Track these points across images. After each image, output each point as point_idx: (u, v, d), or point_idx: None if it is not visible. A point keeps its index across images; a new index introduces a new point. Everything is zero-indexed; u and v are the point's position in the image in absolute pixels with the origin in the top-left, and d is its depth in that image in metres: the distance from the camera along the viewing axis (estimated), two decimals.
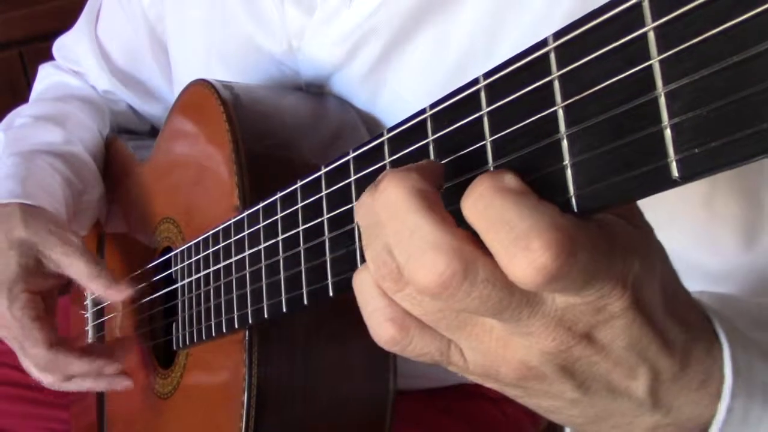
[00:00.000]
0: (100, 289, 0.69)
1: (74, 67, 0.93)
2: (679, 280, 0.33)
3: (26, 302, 0.67)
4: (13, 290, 0.67)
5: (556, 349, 0.30)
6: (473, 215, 0.28)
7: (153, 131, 0.94)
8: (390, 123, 0.63)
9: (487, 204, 0.27)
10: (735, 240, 0.51)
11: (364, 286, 0.32)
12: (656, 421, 0.33)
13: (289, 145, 0.62)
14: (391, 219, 0.29)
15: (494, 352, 0.31)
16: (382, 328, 0.32)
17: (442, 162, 0.33)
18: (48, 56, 0.97)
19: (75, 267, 0.69)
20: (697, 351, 0.33)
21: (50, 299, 0.71)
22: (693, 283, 0.48)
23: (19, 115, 0.86)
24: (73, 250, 0.69)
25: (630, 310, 0.29)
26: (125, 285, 0.70)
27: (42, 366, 0.68)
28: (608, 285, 0.28)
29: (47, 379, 0.70)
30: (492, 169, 0.31)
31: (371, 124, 0.64)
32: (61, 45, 0.95)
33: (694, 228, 0.51)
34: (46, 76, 0.95)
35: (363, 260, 0.37)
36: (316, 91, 0.68)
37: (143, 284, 0.75)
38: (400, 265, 0.29)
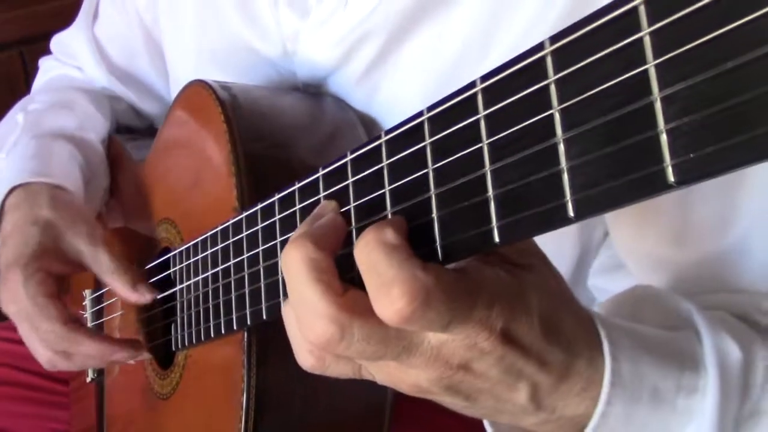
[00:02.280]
0: (123, 287, 0.67)
1: (72, 62, 0.93)
2: (565, 308, 0.39)
3: (41, 280, 0.66)
4: (29, 267, 0.66)
5: (437, 377, 0.36)
6: (358, 259, 0.34)
7: (152, 129, 0.94)
8: (387, 123, 0.64)
9: (367, 252, 0.33)
10: (709, 235, 0.52)
11: (289, 320, 0.39)
12: (542, 419, 0.40)
13: (287, 145, 0.62)
14: (289, 281, 0.36)
15: (393, 376, 0.38)
16: (303, 358, 0.39)
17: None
18: (48, 55, 0.97)
19: (100, 260, 0.68)
20: (578, 365, 0.38)
21: (63, 283, 0.70)
22: (663, 276, 0.54)
23: (32, 101, 0.85)
24: (100, 243, 0.68)
25: (500, 346, 0.35)
26: (149, 288, 0.68)
27: (53, 342, 0.66)
28: (473, 328, 0.34)
29: (45, 356, 0.68)
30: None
31: (368, 124, 0.64)
32: (58, 41, 0.95)
33: (668, 225, 0.53)
34: (49, 69, 0.94)
35: None
36: (313, 91, 0.68)
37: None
38: (299, 318, 0.36)
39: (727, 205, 0.51)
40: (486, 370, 0.36)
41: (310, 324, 0.35)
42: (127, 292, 0.68)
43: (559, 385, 0.38)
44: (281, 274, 0.46)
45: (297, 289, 0.36)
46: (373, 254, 0.33)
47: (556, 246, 0.62)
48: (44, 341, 0.67)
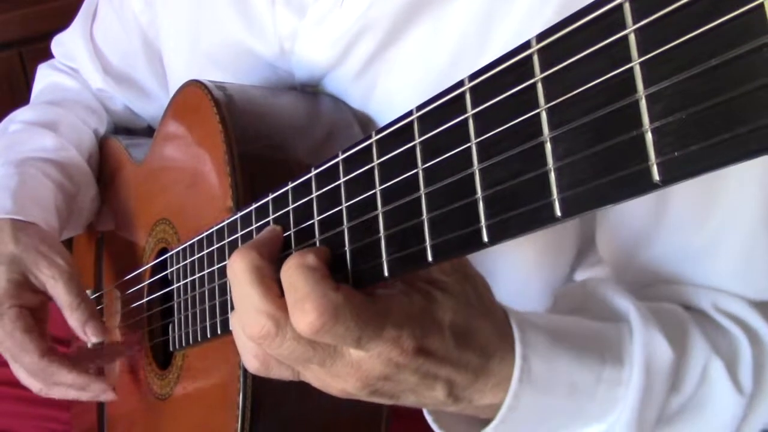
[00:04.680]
0: (74, 323, 0.70)
1: (70, 64, 0.93)
2: (481, 316, 0.43)
3: (16, 316, 0.68)
4: (3, 305, 0.68)
5: (361, 385, 0.41)
6: (282, 278, 0.39)
7: (150, 129, 0.94)
8: (383, 121, 0.64)
9: (290, 274, 0.38)
10: (682, 231, 0.56)
11: (236, 328, 0.43)
12: (460, 408, 0.45)
13: (283, 145, 0.61)
14: (234, 285, 0.41)
15: (324, 381, 0.43)
16: (249, 362, 0.43)
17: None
18: (47, 56, 0.97)
19: (57, 293, 0.70)
20: (492, 364, 0.44)
21: (41, 311, 0.72)
22: (632, 264, 0.59)
23: (13, 121, 0.86)
24: (59, 275, 0.70)
25: (414, 359, 0.40)
26: (100, 328, 0.70)
27: (33, 373, 0.69)
28: (385, 345, 0.39)
29: (35, 386, 0.70)
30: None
31: (365, 123, 0.64)
32: (58, 42, 0.95)
33: (644, 217, 0.56)
34: (42, 78, 0.95)
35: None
36: (310, 90, 0.68)
37: (140, 285, 0.75)
38: (242, 320, 0.41)
39: (702, 203, 0.54)
40: (404, 379, 0.41)
41: (251, 321, 0.40)
42: (77, 329, 0.70)
43: (474, 382, 0.44)
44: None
45: (242, 291, 0.40)
46: (294, 274, 0.38)
47: (559, 237, 0.62)
48: (27, 372, 0.69)
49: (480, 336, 0.43)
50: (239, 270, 0.40)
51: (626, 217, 0.57)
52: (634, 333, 0.49)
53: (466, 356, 0.42)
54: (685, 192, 0.53)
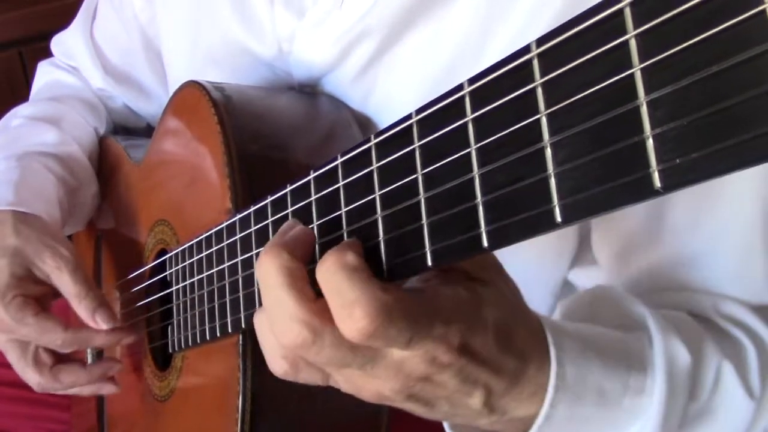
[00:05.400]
0: (84, 312, 0.68)
1: (71, 63, 0.93)
2: (519, 318, 0.41)
3: (21, 304, 0.67)
4: (6, 296, 0.67)
5: (399, 388, 0.39)
6: (321, 282, 0.36)
7: (149, 129, 0.94)
8: (382, 123, 0.63)
9: (330, 275, 0.35)
10: (679, 236, 0.55)
11: (262, 327, 0.40)
12: (494, 420, 0.43)
13: (282, 146, 0.61)
14: (265, 287, 0.38)
15: (357, 384, 0.40)
16: (277, 364, 0.41)
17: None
18: (47, 56, 0.97)
19: (62, 283, 0.69)
20: (529, 371, 0.41)
21: (45, 303, 0.71)
22: (631, 271, 0.58)
23: (15, 115, 0.86)
24: (64, 264, 0.69)
25: (458, 359, 0.38)
26: (110, 315, 0.69)
27: (65, 346, 0.68)
28: (432, 344, 0.37)
29: (36, 379, 0.70)
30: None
31: (364, 124, 0.64)
32: (58, 41, 0.95)
33: (641, 222, 0.55)
34: (43, 75, 0.95)
35: None
36: (308, 91, 0.67)
37: (140, 287, 0.75)
38: (272, 324, 0.38)
39: (699, 207, 0.53)
40: (445, 381, 0.39)
41: (285, 328, 0.37)
42: (86, 318, 0.69)
43: (510, 389, 0.41)
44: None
45: (273, 294, 0.37)
46: (336, 276, 0.35)
47: (559, 239, 0.62)
48: (63, 347, 0.68)
49: (518, 338, 0.41)
50: (271, 272, 0.37)
51: (623, 220, 0.57)
52: (654, 339, 0.47)
53: (506, 360, 0.40)
54: (682, 195, 0.53)
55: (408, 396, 0.40)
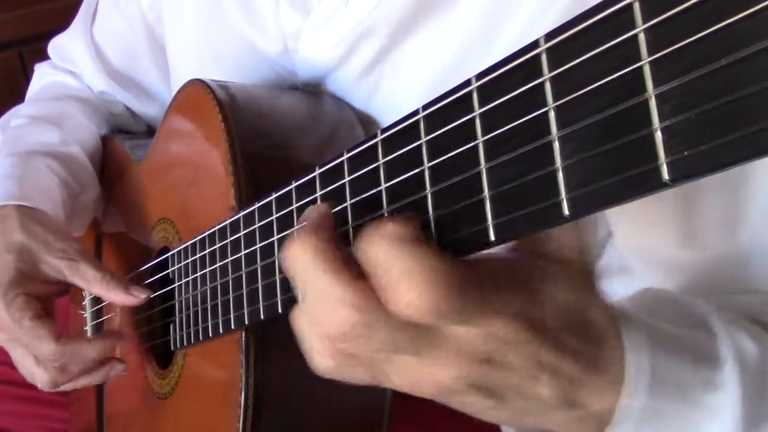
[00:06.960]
0: (114, 295, 0.67)
1: (70, 67, 0.92)
2: (594, 301, 0.38)
3: (23, 304, 0.66)
4: (9, 294, 0.66)
5: (462, 373, 0.35)
6: (362, 256, 0.33)
7: (149, 131, 0.94)
8: (386, 122, 0.63)
9: (374, 247, 0.33)
10: (718, 236, 0.51)
11: (301, 324, 0.37)
12: (564, 415, 0.39)
13: (285, 144, 0.61)
14: (300, 276, 0.35)
15: (414, 377, 0.36)
16: (321, 361, 0.37)
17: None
18: (47, 56, 0.97)
19: (83, 272, 0.68)
20: (608, 357, 0.38)
21: (48, 302, 0.70)
22: (673, 278, 0.53)
23: (16, 115, 0.85)
24: (78, 257, 0.68)
25: (520, 332, 0.34)
26: (141, 288, 0.67)
27: (53, 358, 0.66)
28: (491, 318, 0.33)
29: (45, 377, 0.68)
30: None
31: (367, 123, 0.64)
32: (56, 45, 0.94)
33: (674, 227, 0.52)
34: (42, 76, 0.94)
35: None
36: (312, 90, 0.68)
37: (142, 284, 0.75)
38: (315, 315, 0.35)
39: (732, 204, 0.50)
40: (511, 361, 0.35)
41: (329, 315, 0.34)
42: (120, 296, 0.67)
43: (585, 378, 0.37)
44: (278, 273, 0.46)
45: (310, 281, 0.34)
46: (382, 249, 0.32)
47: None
48: (44, 362, 0.67)
49: (594, 322, 0.37)
50: (303, 259, 0.35)
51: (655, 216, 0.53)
52: (720, 335, 0.43)
53: (580, 344, 0.37)
54: (713, 195, 0.50)
55: (471, 384, 0.36)
